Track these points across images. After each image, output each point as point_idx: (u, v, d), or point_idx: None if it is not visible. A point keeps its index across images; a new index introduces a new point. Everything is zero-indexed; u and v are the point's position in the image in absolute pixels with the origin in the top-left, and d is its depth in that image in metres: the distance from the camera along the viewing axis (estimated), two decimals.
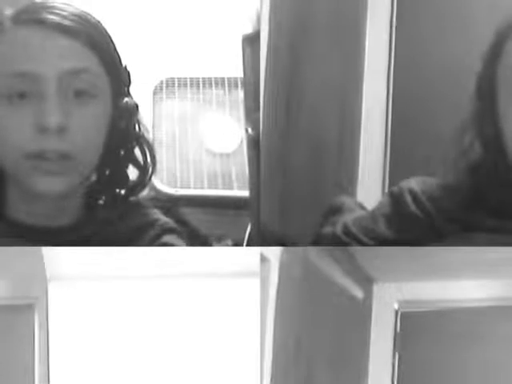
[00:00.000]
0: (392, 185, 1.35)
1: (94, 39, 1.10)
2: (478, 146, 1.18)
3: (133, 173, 1.21)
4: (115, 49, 1.16)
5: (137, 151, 1.21)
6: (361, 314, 2.29)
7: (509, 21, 1.16)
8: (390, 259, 2.01)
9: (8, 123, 1.07)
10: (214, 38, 2.41)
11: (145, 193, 1.24)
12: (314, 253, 1.76)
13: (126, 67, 1.18)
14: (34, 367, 1.78)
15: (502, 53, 1.14)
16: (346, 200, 1.36)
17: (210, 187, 2.46)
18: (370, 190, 2.22)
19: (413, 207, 1.22)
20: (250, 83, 1.97)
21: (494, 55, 1.15)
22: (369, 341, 2.33)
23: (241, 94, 2.37)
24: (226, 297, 1.80)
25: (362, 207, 1.35)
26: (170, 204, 1.30)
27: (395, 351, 2.33)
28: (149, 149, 1.21)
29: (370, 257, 2.01)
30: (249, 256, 1.61)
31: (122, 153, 1.19)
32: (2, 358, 1.76)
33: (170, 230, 1.20)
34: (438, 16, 2.24)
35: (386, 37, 2.28)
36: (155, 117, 2.48)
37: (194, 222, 1.26)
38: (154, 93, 2.48)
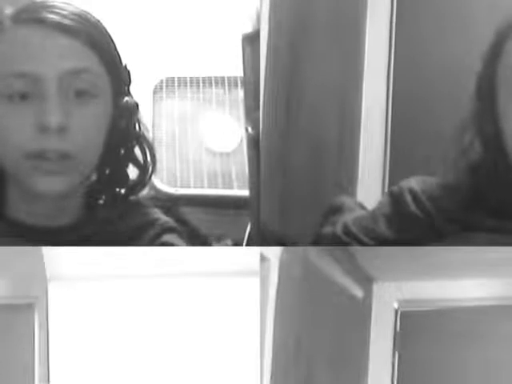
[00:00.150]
0: (392, 184, 1.35)
1: (94, 38, 1.10)
2: (478, 145, 1.18)
3: (133, 172, 1.21)
4: (115, 48, 1.16)
5: (137, 150, 1.21)
6: (361, 314, 2.29)
7: (509, 20, 1.16)
8: (389, 259, 2.01)
9: (9, 123, 1.07)
10: (213, 37, 2.40)
11: (145, 192, 1.24)
12: (313, 252, 1.76)
13: (126, 66, 1.18)
14: (33, 367, 1.78)
15: (502, 52, 1.14)
16: (346, 200, 1.36)
17: (209, 186, 2.46)
18: (369, 189, 2.22)
19: (413, 207, 1.22)
20: (249, 82, 1.97)
21: (494, 55, 1.15)
22: (369, 340, 2.33)
23: (241, 93, 2.36)
24: (225, 296, 1.80)
25: (362, 207, 1.35)
26: (170, 203, 1.29)
27: (395, 350, 2.33)
28: (149, 148, 1.21)
29: (369, 256, 2.01)
30: (249, 255, 1.61)
31: (122, 152, 1.19)
32: (2, 357, 1.76)
33: (170, 229, 1.20)
34: (438, 16, 2.24)
35: (385, 36, 2.28)
36: (155, 116, 2.48)
37: (193, 222, 1.26)
38: (154, 92, 2.48)
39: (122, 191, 1.21)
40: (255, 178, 1.90)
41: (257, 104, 1.92)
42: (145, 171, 1.21)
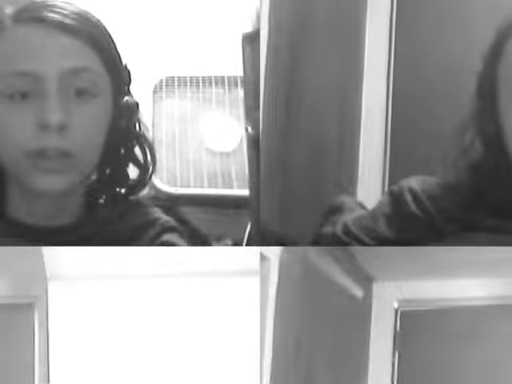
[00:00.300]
0: (392, 184, 1.35)
1: (95, 38, 1.11)
2: (479, 144, 1.18)
3: (133, 172, 1.21)
4: (115, 48, 1.16)
5: (137, 150, 1.21)
6: (361, 313, 2.29)
7: (509, 20, 1.16)
8: (389, 258, 2.01)
9: (9, 122, 1.07)
10: (213, 37, 2.40)
11: (145, 192, 1.24)
12: (313, 252, 1.76)
13: (126, 66, 1.18)
14: (33, 366, 1.78)
15: (503, 52, 1.14)
16: (346, 199, 1.36)
17: (209, 186, 2.46)
18: (369, 189, 2.22)
19: (413, 206, 1.22)
20: (249, 82, 1.97)
21: (494, 55, 1.15)
22: (369, 340, 2.33)
23: (241, 92, 2.36)
24: (225, 296, 1.80)
25: (362, 206, 1.35)
26: (170, 203, 1.29)
27: (395, 350, 2.33)
28: (149, 148, 1.21)
29: (369, 256, 2.01)
30: (248, 255, 1.61)
31: (123, 152, 1.19)
32: (2, 357, 1.76)
33: (170, 229, 1.20)
34: (438, 15, 2.24)
35: (385, 36, 2.28)
36: (155, 116, 2.48)
37: (193, 221, 1.26)
38: (154, 92, 2.48)
39: (123, 191, 1.21)
40: (255, 177, 1.90)
41: (257, 104, 1.92)
42: (145, 171, 1.21)
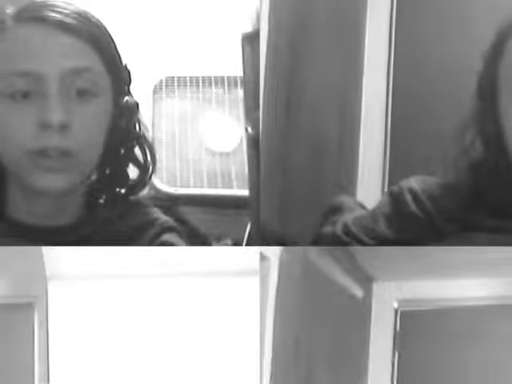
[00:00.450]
0: (392, 184, 1.35)
1: (96, 37, 1.11)
2: (480, 144, 1.18)
3: (133, 172, 1.22)
4: (116, 47, 1.16)
5: (137, 150, 1.21)
6: (360, 313, 2.29)
7: (509, 20, 1.16)
8: (389, 258, 2.01)
9: (11, 121, 1.07)
10: (213, 37, 2.40)
11: (145, 192, 1.24)
12: (313, 252, 1.76)
13: (126, 66, 1.18)
14: (33, 366, 1.78)
15: (503, 52, 1.14)
16: (345, 199, 1.36)
17: (209, 186, 2.46)
18: (369, 189, 2.22)
19: (413, 206, 1.22)
20: (249, 82, 1.97)
21: (495, 54, 1.15)
22: (368, 340, 2.33)
23: (240, 92, 2.36)
24: (225, 296, 1.80)
25: (362, 206, 1.35)
26: (170, 203, 1.29)
27: (395, 350, 2.33)
28: (149, 148, 1.21)
29: (369, 256, 2.01)
30: (248, 255, 1.61)
31: (123, 152, 1.19)
32: (1, 357, 1.76)
33: (170, 229, 1.20)
34: (438, 15, 2.24)
35: (385, 35, 2.28)
36: (155, 116, 2.48)
37: (193, 221, 1.26)
38: (154, 92, 2.48)
39: (122, 191, 1.21)
40: (255, 177, 1.90)
41: (256, 104, 1.92)
42: (145, 171, 1.21)
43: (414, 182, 1.25)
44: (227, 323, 1.79)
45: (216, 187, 2.46)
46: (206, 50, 2.41)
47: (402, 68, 2.27)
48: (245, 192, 2.04)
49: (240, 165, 2.43)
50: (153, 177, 1.23)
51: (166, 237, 1.18)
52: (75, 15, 1.10)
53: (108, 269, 1.72)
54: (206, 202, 2.40)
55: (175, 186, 2.46)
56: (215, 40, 2.40)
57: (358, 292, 2.20)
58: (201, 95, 2.49)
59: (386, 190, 2.22)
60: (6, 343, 1.78)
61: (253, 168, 1.94)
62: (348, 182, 2.21)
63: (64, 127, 1.07)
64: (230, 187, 2.45)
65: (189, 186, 2.47)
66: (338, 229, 1.26)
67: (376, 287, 2.34)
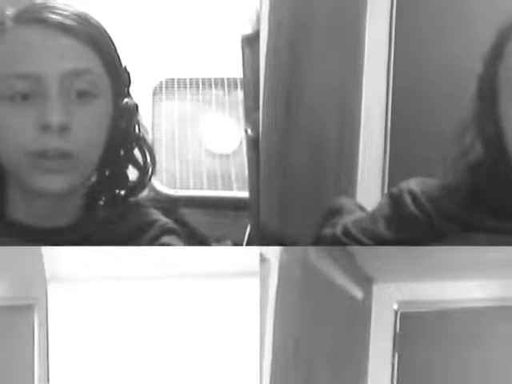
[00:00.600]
0: (391, 185, 1.35)
1: (95, 39, 1.11)
2: (479, 145, 1.19)
3: (132, 173, 1.21)
4: (115, 49, 1.16)
5: (136, 152, 1.21)
6: (360, 315, 2.29)
7: (510, 21, 1.16)
8: (389, 259, 2.01)
9: (10, 123, 1.08)
10: (213, 39, 2.41)
11: (144, 193, 1.24)
12: (313, 253, 1.76)
13: (125, 68, 1.18)
14: (33, 367, 1.77)
15: (504, 54, 1.14)
16: (345, 201, 1.36)
17: (209, 188, 2.46)
18: (369, 190, 2.22)
19: (412, 208, 1.22)
20: (249, 83, 1.97)
21: (495, 56, 1.15)
22: (368, 341, 2.33)
23: (240, 94, 2.37)
24: (225, 297, 1.80)
25: (362, 208, 1.35)
26: (170, 205, 1.29)
27: (395, 351, 2.33)
28: (148, 149, 1.21)
29: (369, 257, 2.01)
30: (248, 256, 1.61)
31: (122, 153, 1.19)
32: (1, 357, 1.76)
33: (170, 231, 1.20)
34: (438, 15, 2.24)
35: (385, 35, 2.28)
36: (155, 117, 2.48)
37: (193, 223, 1.26)
38: (154, 93, 2.48)
39: (122, 192, 1.21)
40: (255, 179, 1.90)
41: (256, 105, 1.92)
42: (144, 172, 1.21)
43: (414, 184, 1.25)
44: (227, 324, 1.79)
45: (216, 189, 2.46)
46: (205, 52, 2.42)
47: (402, 68, 2.28)
48: (245, 194, 2.04)
49: (240, 166, 2.43)
50: (152, 178, 1.23)
51: (166, 239, 1.18)
52: (75, 17, 1.10)
53: (108, 270, 1.72)
54: (205, 204, 2.40)
55: (175, 187, 2.46)
56: (215, 42, 2.40)
57: (358, 293, 2.20)
58: (201, 97, 2.49)
59: (385, 189, 2.22)
60: (6, 344, 1.78)
61: (253, 170, 1.94)
62: (348, 182, 2.21)
63: (64, 129, 1.07)
64: (230, 189, 2.45)
65: (189, 188, 2.47)
66: (338, 231, 1.26)
67: (376, 289, 2.34)
